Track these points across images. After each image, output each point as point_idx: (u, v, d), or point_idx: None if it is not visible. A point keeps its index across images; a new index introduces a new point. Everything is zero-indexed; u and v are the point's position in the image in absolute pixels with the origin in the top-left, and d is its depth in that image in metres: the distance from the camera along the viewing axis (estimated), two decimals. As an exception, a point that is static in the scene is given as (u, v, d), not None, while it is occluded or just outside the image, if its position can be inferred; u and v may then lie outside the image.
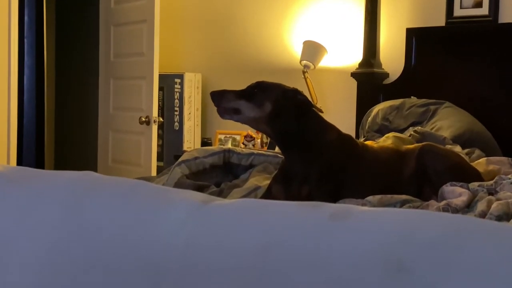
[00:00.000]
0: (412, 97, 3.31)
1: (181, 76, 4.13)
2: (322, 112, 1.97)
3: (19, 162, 3.78)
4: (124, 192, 1.01)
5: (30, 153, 3.81)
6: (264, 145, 3.84)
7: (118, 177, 1.12)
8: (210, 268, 0.88)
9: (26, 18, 3.70)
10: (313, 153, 1.91)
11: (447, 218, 0.85)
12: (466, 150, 2.65)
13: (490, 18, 3.34)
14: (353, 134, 3.21)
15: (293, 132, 1.91)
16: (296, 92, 1.95)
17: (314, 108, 1.96)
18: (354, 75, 3.64)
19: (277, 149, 3.62)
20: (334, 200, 1.84)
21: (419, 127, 2.88)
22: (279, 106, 1.91)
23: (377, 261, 0.78)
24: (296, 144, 1.92)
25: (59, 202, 1.04)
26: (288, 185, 1.92)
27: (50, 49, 5.27)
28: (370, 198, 1.82)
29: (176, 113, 4.14)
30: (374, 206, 1.77)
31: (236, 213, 0.92)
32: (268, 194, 1.96)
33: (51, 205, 1.05)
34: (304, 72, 3.67)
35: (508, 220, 1.56)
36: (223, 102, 1.96)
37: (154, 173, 3.67)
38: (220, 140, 4.08)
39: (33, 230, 1.04)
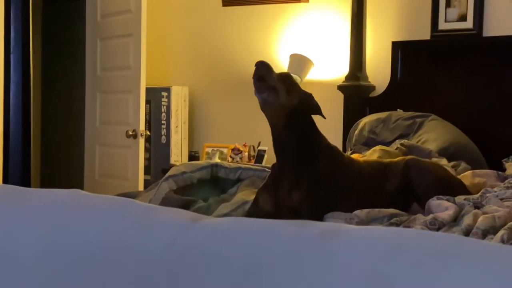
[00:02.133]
0: (398, 109, 3.33)
1: (168, 90, 4.13)
2: (324, 118, 1.99)
3: (5, 174, 3.75)
4: (112, 211, 1.01)
5: (17, 165, 3.78)
6: (251, 158, 3.84)
7: (105, 196, 1.12)
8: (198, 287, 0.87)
9: (12, 33, 3.68)
10: (308, 158, 1.91)
11: (433, 237, 0.85)
12: (452, 163, 2.66)
13: (475, 32, 3.37)
14: (340, 147, 3.22)
15: (299, 134, 1.91)
16: (312, 96, 1.97)
17: (320, 115, 1.97)
18: (340, 88, 3.66)
19: (264, 163, 3.62)
20: (325, 209, 1.84)
21: (406, 140, 2.89)
22: (301, 103, 1.90)
23: (365, 279, 0.78)
24: (295, 146, 1.91)
25: (46, 221, 1.04)
26: (277, 193, 1.91)
27: (36, 63, 5.25)
28: (358, 212, 1.82)
29: (163, 126, 4.13)
30: (362, 220, 1.77)
31: (224, 232, 0.92)
32: (255, 204, 1.95)
33: (37, 224, 1.04)
34: (291, 85, 3.68)
35: (494, 234, 1.58)
36: (268, 77, 1.84)
37: (141, 186, 3.65)
38: (207, 153, 4.07)
39: (19, 248, 1.03)
